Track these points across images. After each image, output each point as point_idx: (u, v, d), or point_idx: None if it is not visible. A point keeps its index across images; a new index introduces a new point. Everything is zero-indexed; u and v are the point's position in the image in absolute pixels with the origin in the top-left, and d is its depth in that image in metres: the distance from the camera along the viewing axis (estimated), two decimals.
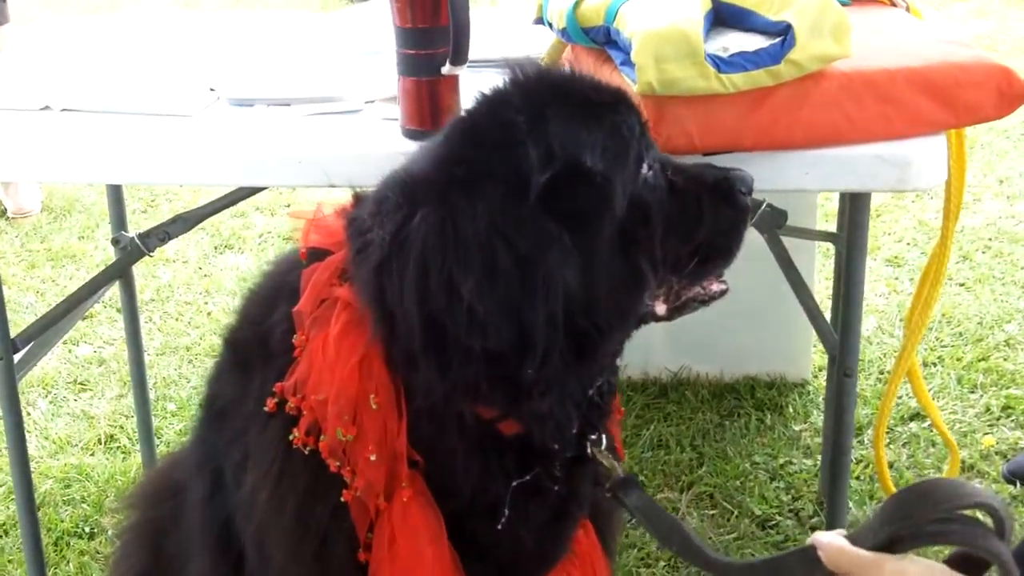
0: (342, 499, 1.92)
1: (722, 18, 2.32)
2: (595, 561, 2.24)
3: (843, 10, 2.27)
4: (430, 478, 1.96)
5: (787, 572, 1.72)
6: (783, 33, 2.22)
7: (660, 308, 2.01)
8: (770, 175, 2.26)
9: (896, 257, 4.92)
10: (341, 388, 1.89)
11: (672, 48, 2.17)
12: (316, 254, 2.02)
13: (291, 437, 1.93)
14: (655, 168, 1.92)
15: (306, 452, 1.93)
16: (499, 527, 2.00)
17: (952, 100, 2.31)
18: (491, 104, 1.91)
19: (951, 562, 1.54)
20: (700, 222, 1.97)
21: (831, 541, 1.59)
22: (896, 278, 4.76)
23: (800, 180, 2.32)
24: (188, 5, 9.14)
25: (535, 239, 1.75)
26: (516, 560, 2.08)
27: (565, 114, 1.85)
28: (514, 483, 1.98)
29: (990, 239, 5.06)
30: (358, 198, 2.01)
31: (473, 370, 1.79)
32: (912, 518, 1.52)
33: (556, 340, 1.77)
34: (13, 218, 5.86)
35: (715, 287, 2.05)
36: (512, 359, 1.77)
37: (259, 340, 2.04)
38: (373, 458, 1.90)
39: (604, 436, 2.05)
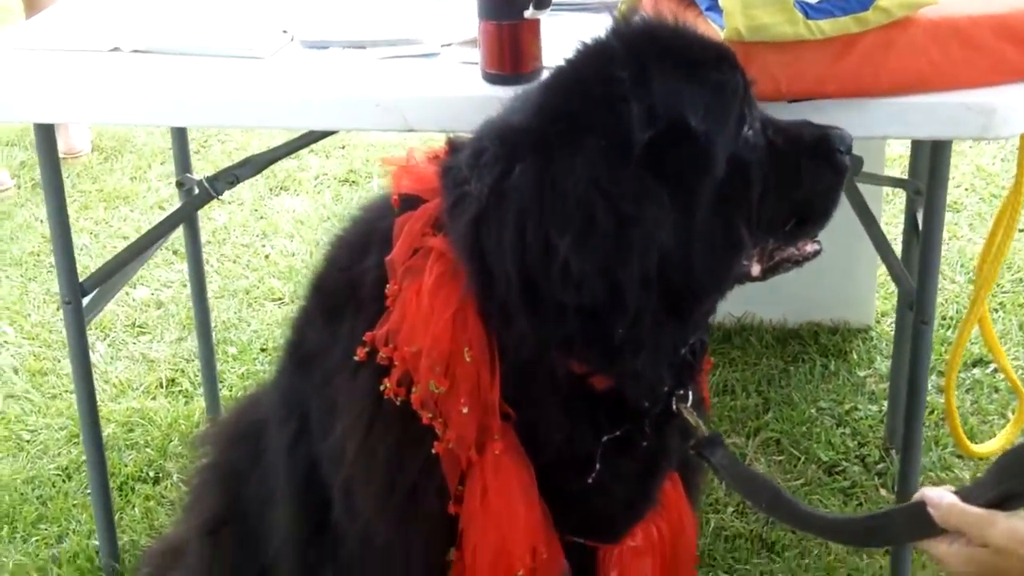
0: (433, 451, 1.92)
1: None
2: (682, 513, 2.24)
3: None
4: (521, 432, 1.96)
5: (891, 528, 1.71)
6: None
7: (755, 268, 2.01)
8: (856, 123, 2.23)
9: (955, 203, 4.87)
10: (435, 340, 1.88)
11: None
12: (408, 201, 2.01)
13: (382, 388, 1.93)
14: (756, 128, 1.91)
15: (397, 403, 1.92)
16: (590, 481, 2.00)
17: None
18: (594, 57, 1.89)
19: None
20: (799, 183, 1.96)
21: (942, 498, 1.58)
22: (956, 224, 4.71)
23: (885, 127, 2.32)
24: None
25: (636, 197, 1.74)
26: (606, 513, 2.09)
27: (669, 71, 1.83)
28: (605, 438, 1.98)
29: None
30: (452, 145, 1.99)
31: (568, 326, 1.80)
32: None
33: (649, 301, 1.77)
34: (64, 158, 5.83)
35: (809, 247, 2.05)
36: (604, 317, 1.77)
37: (349, 287, 2.03)
38: (465, 411, 1.90)
39: (691, 392, 2.04)
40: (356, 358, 1.96)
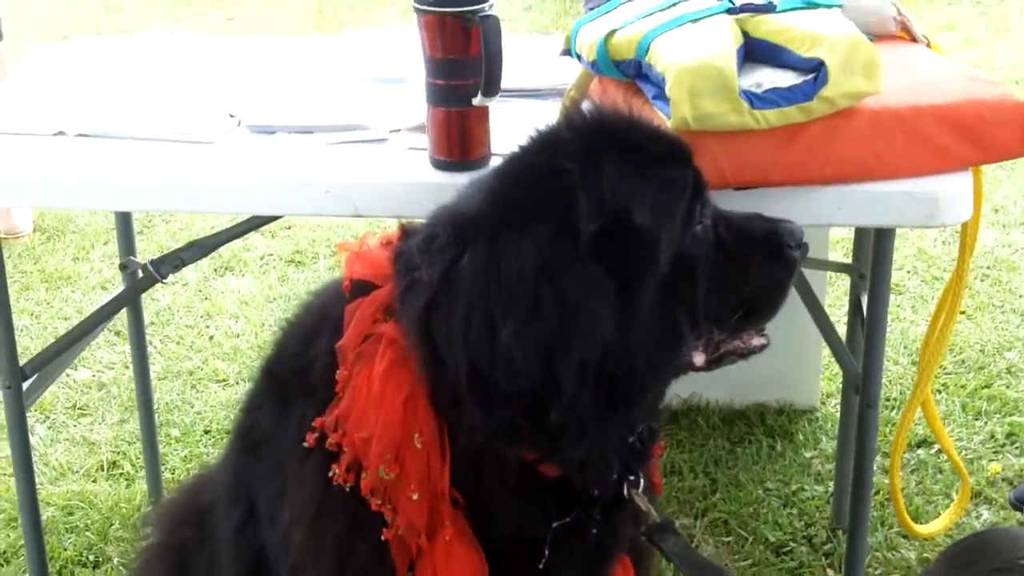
0: (382, 538, 1.91)
1: (753, 54, 2.33)
2: None
3: (873, 47, 2.29)
4: (472, 518, 1.95)
5: None
6: (815, 70, 2.23)
7: (698, 359, 2.02)
8: (801, 210, 2.28)
9: (897, 285, 4.92)
10: (385, 426, 1.89)
11: (707, 83, 2.18)
12: (360, 287, 2.02)
13: (331, 474, 1.93)
14: (705, 223, 1.93)
15: (346, 489, 1.92)
16: (540, 567, 1.99)
17: (979, 137, 2.34)
18: (545, 146, 1.92)
19: None
20: (746, 278, 1.99)
21: None
22: (898, 306, 4.75)
23: (831, 215, 2.35)
24: (176, 24, 9.09)
25: (581, 286, 1.76)
26: None
27: (619, 164, 1.86)
28: (555, 524, 1.97)
29: (988, 267, 5.07)
30: (405, 230, 2.00)
31: (514, 414, 1.82)
32: (973, 565, 1.52)
33: (585, 389, 1.79)
34: (5, 238, 5.79)
35: (755, 341, 2.07)
36: (540, 401, 1.78)
37: (300, 373, 2.04)
38: (415, 497, 1.90)
39: (642, 478, 2.04)
40: (305, 444, 1.96)
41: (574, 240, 1.78)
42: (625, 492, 2.02)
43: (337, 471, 1.92)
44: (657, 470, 2.23)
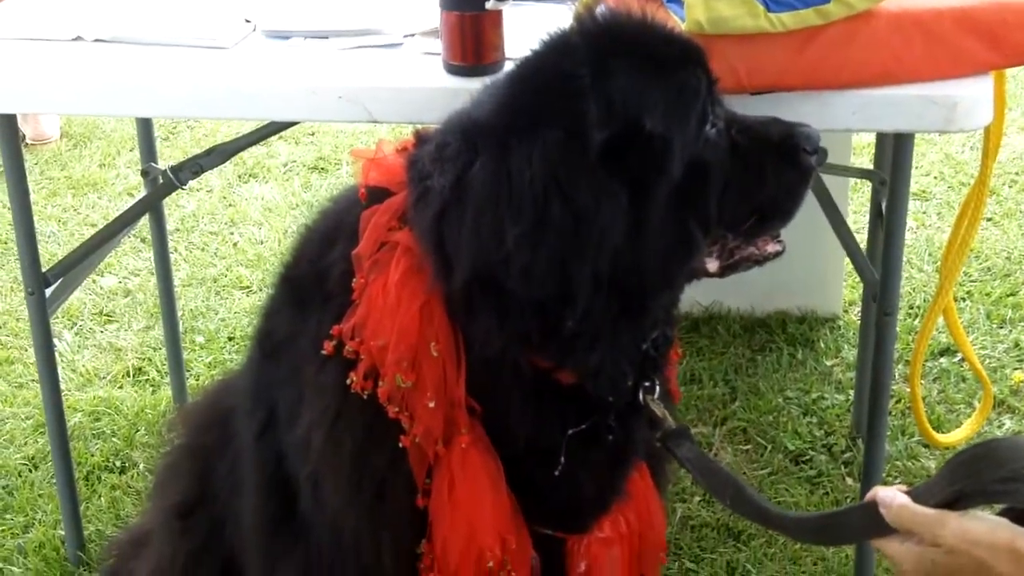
0: (400, 445, 1.93)
1: None
2: (650, 503, 2.25)
3: None
4: (488, 425, 1.97)
5: (845, 527, 1.71)
6: None
7: (712, 265, 2.00)
8: (817, 115, 2.25)
9: (923, 191, 4.88)
10: (401, 334, 1.89)
11: None
12: (376, 194, 2.01)
13: (348, 381, 1.93)
14: (719, 127, 1.91)
15: (364, 397, 1.93)
16: (556, 473, 2.00)
17: (999, 40, 2.29)
18: (556, 51, 1.89)
19: (1010, 518, 1.53)
20: (761, 182, 1.95)
21: (894, 498, 1.58)
22: (924, 212, 4.72)
23: (847, 120, 2.31)
24: None
25: (592, 194, 1.75)
26: (573, 504, 2.09)
27: (630, 69, 1.83)
28: (569, 432, 1.98)
29: (1016, 173, 5.02)
30: (419, 137, 1.99)
31: (526, 321, 1.82)
32: (977, 476, 1.51)
33: (599, 297, 1.79)
34: (32, 145, 5.81)
35: (770, 248, 2.04)
36: (554, 309, 1.79)
37: (316, 279, 2.04)
38: (432, 405, 1.91)
39: (658, 384, 2.04)
40: (324, 352, 1.97)
41: (584, 147, 1.77)
42: (640, 398, 2.02)
43: (355, 379, 1.93)
44: (674, 377, 2.23)
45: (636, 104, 1.80)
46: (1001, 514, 1.53)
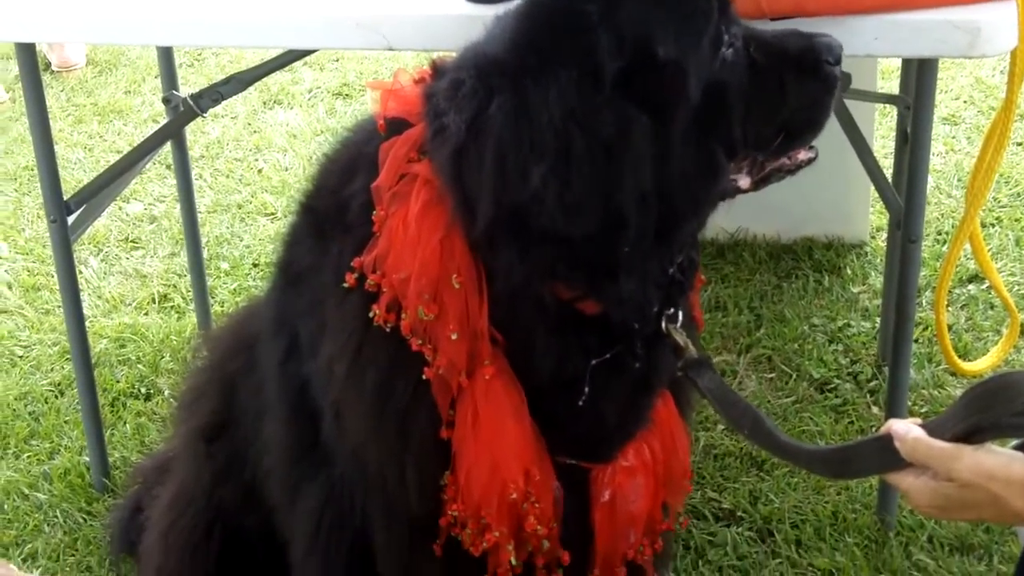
0: (423, 376, 1.93)
1: None
2: (674, 431, 2.24)
3: None
4: (511, 356, 1.96)
5: (860, 460, 1.70)
6: None
7: (744, 182, 1.99)
8: (840, 40, 2.19)
9: (953, 115, 4.82)
10: (423, 267, 1.89)
11: None
12: (394, 125, 2.00)
13: (371, 314, 1.94)
14: (736, 46, 1.88)
15: (386, 329, 1.93)
16: (580, 403, 2.00)
17: None
18: None
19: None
20: (784, 99, 1.93)
21: (908, 432, 1.57)
22: (953, 137, 4.66)
23: (869, 46, 2.27)
24: None
25: (615, 123, 1.75)
26: (597, 433, 2.09)
27: None
28: (593, 362, 1.98)
29: None
30: (436, 68, 1.97)
31: (552, 253, 1.81)
32: (992, 410, 1.50)
33: (648, 218, 1.79)
34: (58, 71, 5.81)
35: (802, 155, 2.01)
36: (604, 241, 1.79)
37: (337, 210, 2.03)
38: (455, 336, 1.90)
39: (682, 311, 2.04)
40: (345, 284, 1.97)
41: (598, 82, 1.76)
42: (663, 327, 2.01)
43: (377, 311, 1.93)
44: (697, 304, 2.22)
45: (646, 33, 1.79)
46: (1016, 448, 1.51)
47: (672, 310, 2.02)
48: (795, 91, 1.93)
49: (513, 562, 2.04)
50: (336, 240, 2.03)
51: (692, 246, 2.04)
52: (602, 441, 2.13)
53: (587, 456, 2.13)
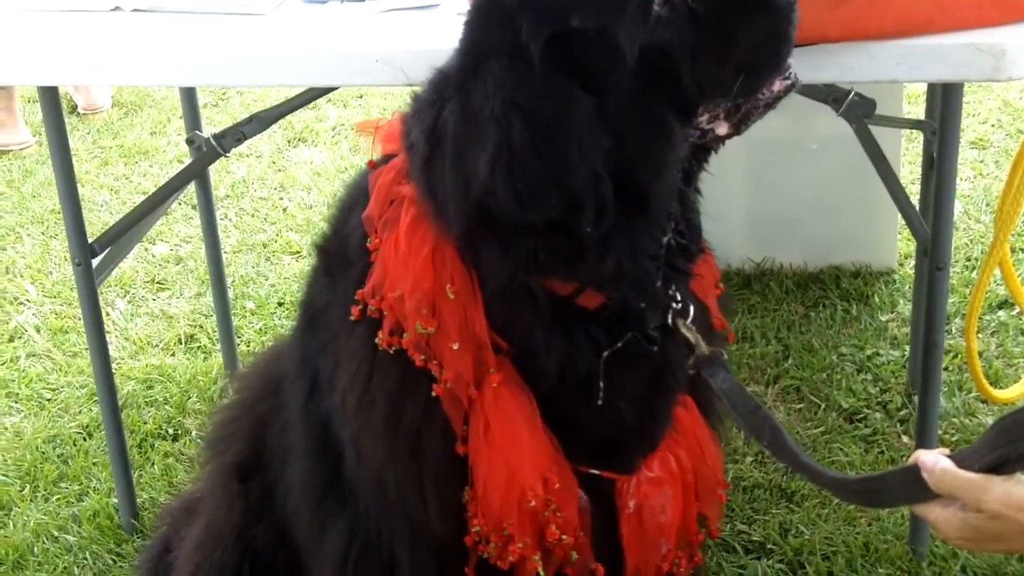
0: (433, 393, 1.94)
1: None
2: (701, 438, 2.21)
3: None
4: (518, 362, 1.96)
5: (888, 491, 1.68)
6: None
7: (722, 128, 1.96)
8: (861, 66, 2.23)
9: (981, 139, 4.80)
10: (416, 281, 1.92)
11: None
12: (385, 159, 2.05)
13: (376, 340, 1.95)
14: (673, 2, 1.84)
15: (391, 352, 1.94)
16: (598, 403, 1.98)
17: None
18: None
19: None
20: (732, 42, 1.88)
21: (936, 463, 1.55)
22: (981, 161, 4.64)
23: (892, 71, 2.26)
24: None
25: (553, 103, 1.76)
26: (617, 438, 2.08)
27: None
28: (605, 353, 1.96)
29: None
30: (414, 98, 2.00)
31: (531, 244, 1.82)
32: (1021, 441, 1.47)
33: (606, 193, 1.78)
34: (84, 114, 5.84)
35: (777, 86, 1.96)
36: (567, 223, 1.79)
37: (340, 248, 2.09)
38: (456, 347, 1.91)
39: (691, 306, 2.02)
40: (352, 318, 1.99)
41: (527, 63, 1.77)
42: (670, 320, 2.00)
43: (381, 336, 1.95)
44: (715, 309, 2.19)
45: (562, 7, 1.79)
46: None
47: (679, 304, 2.00)
48: (744, 31, 1.88)
49: (541, 574, 2.02)
50: (341, 276, 2.07)
51: (687, 208, 2.01)
52: (622, 445, 2.11)
53: (609, 465, 2.11)
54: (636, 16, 1.81)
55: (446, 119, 1.80)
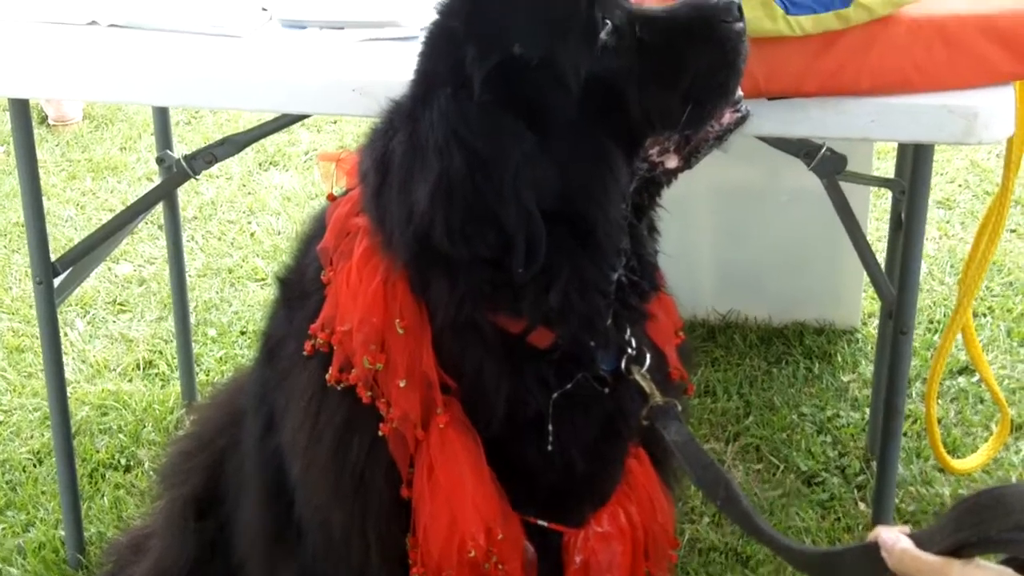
0: (379, 432, 1.91)
1: None
2: (653, 494, 2.19)
3: None
4: (467, 403, 1.94)
5: (845, 567, 1.66)
6: None
7: (671, 161, 1.95)
8: (835, 122, 2.23)
9: (947, 199, 4.80)
10: (365, 314, 1.90)
11: None
12: (345, 192, 2.06)
13: (326, 376, 1.93)
14: (622, 29, 1.85)
15: (341, 389, 1.93)
16: (549, 448, 1.96)
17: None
18: (440, 13, 1.90)
19: (1014, 567, 1.47)
20: (680, 72, 1.87)
21: (896, 542, 1.53)
22: (947, 221, 4.64)
23: (865, 129, 2.27)
24: None
25: (488, 134, 1.74)
26: (567, 488, 2.04)
27: (497, 5, 1.83)
28: (555, 394, 1.94)
29: None
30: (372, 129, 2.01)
31: (476, 276, 1.81)
32: (982, 525, 1.45)
33: (537, 232, 1.75)
34: (54, 125, 5.79)
35: (727, 119, 1.96)
36: (503, 260, 1.77)
37: (298, 279, 2.09)
38: (403, 384, 1.89)
39: (647, 353, 2.00)
40: (304, 352, 1.98)
41: (469, 92, 1.76)
42: (623, 366, 1.97)
43: (330, 372, 1.93)
44: (675, 359, 2.17)
45: (506, 34, 1.79)
46: (1004, 563, 1.47)
47: (634, 350, 1.98)
48: (692, 61, 1.88)
49: None
50: (296, 309, 2.06)
51: (638, 244, 1.98)
52: (572, 496, 2.08)
53: (558, 516, 2.08)
54: (581, 44, 1.81)
55: (393, 149, 1.80)
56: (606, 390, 1.99)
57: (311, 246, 2.06)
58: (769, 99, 2.19)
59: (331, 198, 2.06)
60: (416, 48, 1.88)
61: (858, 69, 2.20)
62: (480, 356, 1.91)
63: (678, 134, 1.92)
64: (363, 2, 2.71)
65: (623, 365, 1.98)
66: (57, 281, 2.91)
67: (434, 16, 1.90)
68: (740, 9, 1.90)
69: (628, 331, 1.98)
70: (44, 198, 2.96)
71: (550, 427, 1.95)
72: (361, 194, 1.92)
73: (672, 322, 2.18)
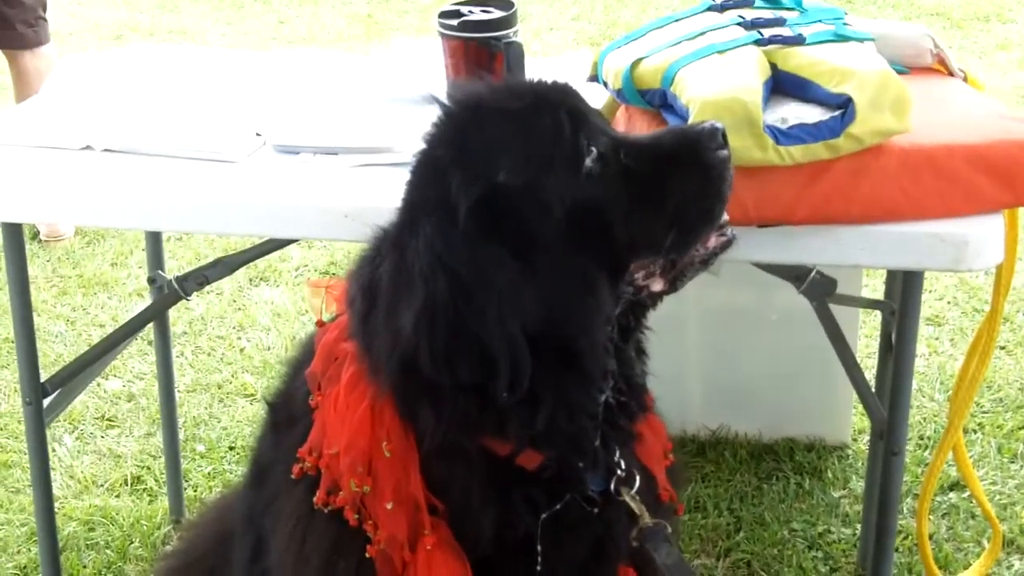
0: (367, 555, 1.91)
1: (781, 87, 2.29)
2: None
3: (904, 84, 2.25)
4: (454, 524, 1.94)
5: None
6: (843, 106, 2.19)
7: (657, 285, 1.96)
8: (825, 249, 2.26)
9: (936, 316, 4.83)
10: (352, 438, 1.91)
11: (730, 117, 2.12)
12: (333, 318, 2.08)
13: (314, 498, 1.94)
14: (607, 155, 1.88)
15: (328, 512, 1.93)
16: (537, 569, 1.95)
17: (1012, 179, 2.29)
18: (426, 141, 1.93)
19: None
20: (665, 199, 1.90)
21: None
22: (936, 338, 4.66)
23: (855, 256, 2.29)
24: (228, 26, 9.05)
25: (472, 262, 1.76)
26: None
27: (483, 132, 1.86)
28: (543, 515, 1.94)
29: None
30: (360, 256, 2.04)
31: (462, 401, 1.82)
32: None
33: (522, 360, 1.77)
34: (46, 241, 5.80)
35: (713, 243, 1.97)
36: (488, 385, 1.78)
37: (286, 404, 2.11)
38: (390, 507, 1.89)
39: (636, 475, 2.00)
40: (292, 476, 1.99)
41: (454, 221, 1.79)
42: (612, 487, 1.97)
43: (318, 495, 1.94)
44: (663, 479, 2.16)
45: (491, 162, 1.81)
46: None
47: (623, 471, 1.98)
48: (677, 187, 1.91)
49: None
50: (285, 434, 2.07)
51: (625, 365, 1.99)
52: None
53: None
54: (566, 172, 1.84)
55: (380, 276, 1.83)
56: (595, 511, 1.99)
57: (299, 371, 2.08)
58: (759, 226, 2.21)
59: (320, 324, 2.09)
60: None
61: (848, 198, 2.23)
62: (467, 478, 1.92)
63: (663, 258, 1.94)
64: (356, 128, 2.74)
65: (612, 486, 1.98)
66: (47, 401, 2.91)
67: (421, 145, 1.93)
68: (725, 136, 1.94)
69: (617, 452, 1.99)
70: (34, 314, 2.97)
71: (539, 548, 1.95)
72: (348, 320, 1.94)
73: (661, 443, 2.18)
